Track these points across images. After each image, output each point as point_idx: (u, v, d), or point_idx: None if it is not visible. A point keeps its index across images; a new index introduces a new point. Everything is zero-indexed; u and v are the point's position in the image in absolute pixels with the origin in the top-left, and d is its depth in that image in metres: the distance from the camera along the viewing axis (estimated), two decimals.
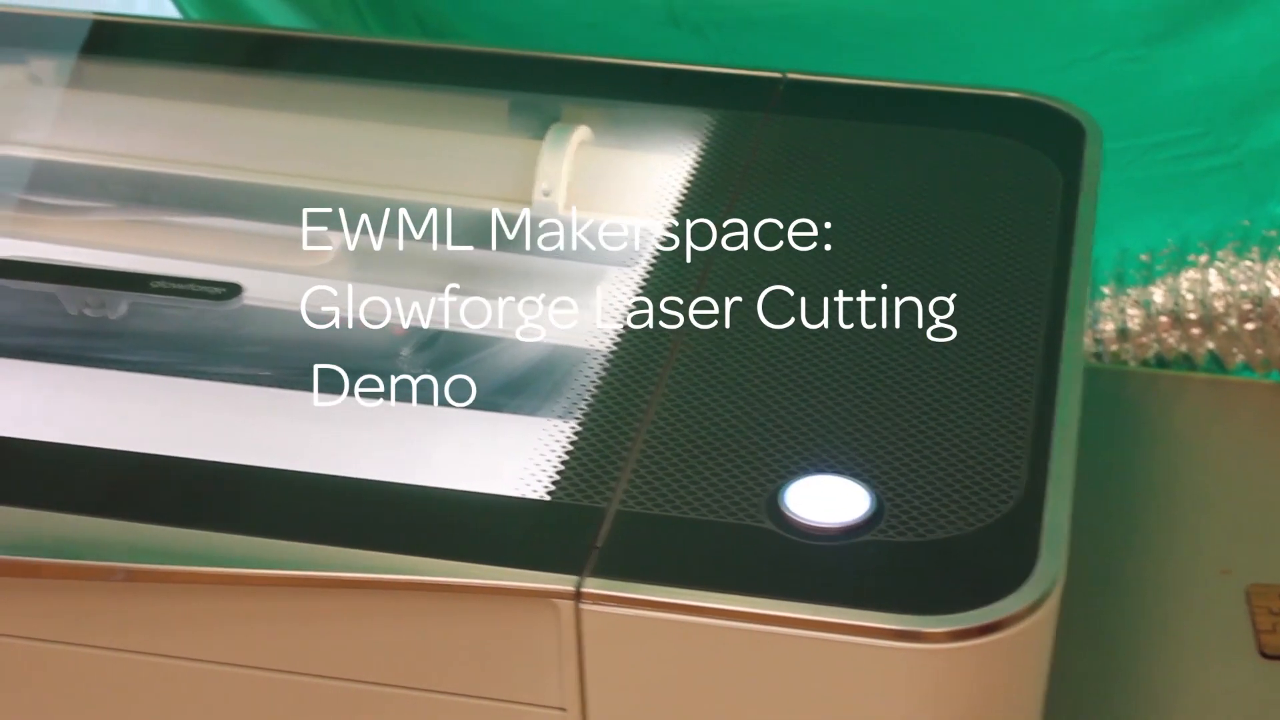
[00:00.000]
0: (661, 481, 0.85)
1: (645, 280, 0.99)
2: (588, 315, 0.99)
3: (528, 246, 1.08)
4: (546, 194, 1.10)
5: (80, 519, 0.84)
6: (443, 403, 0.95)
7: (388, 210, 1.10)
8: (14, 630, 0.87)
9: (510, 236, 1.08)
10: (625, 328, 0.95)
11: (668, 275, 0.99)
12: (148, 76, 1.20)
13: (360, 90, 1.19)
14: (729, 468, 0.85)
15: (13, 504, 0.85)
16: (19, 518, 0.84)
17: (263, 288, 1.03)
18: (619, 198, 1.10)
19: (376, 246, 1.09)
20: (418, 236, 1.09)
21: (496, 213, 1.10)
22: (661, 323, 0.96)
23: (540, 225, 1.09)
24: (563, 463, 0.86)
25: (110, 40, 1.23)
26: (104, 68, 1.21)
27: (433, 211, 1.10)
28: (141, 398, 0.95)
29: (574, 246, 1.07)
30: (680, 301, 0.97)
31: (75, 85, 1.20)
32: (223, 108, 1.18)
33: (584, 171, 1.11)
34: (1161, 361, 1.38)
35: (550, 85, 1.19)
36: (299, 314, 1.03)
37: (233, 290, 1.01)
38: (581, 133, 1.12)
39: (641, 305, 0.97)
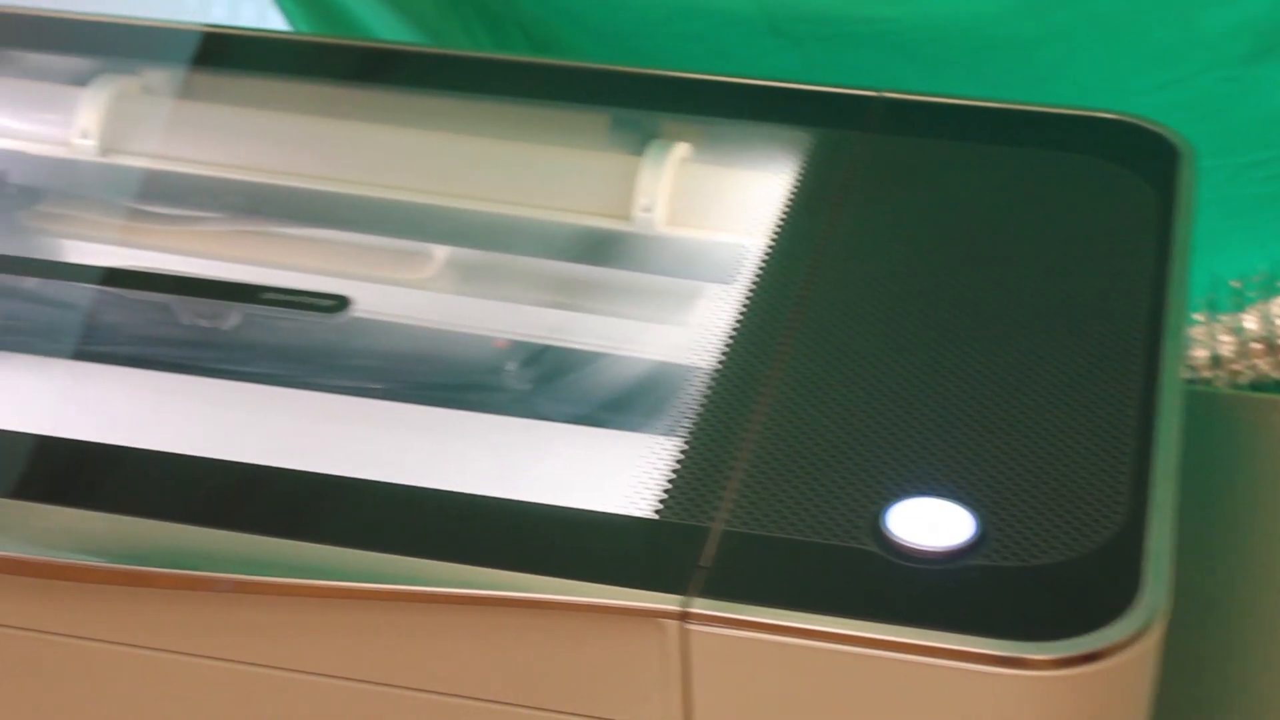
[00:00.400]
0: (765, 500, 0.85)
1: (745, 297, 0.99)
2: (689, 332, 0.99)
3: (628, 262, 1.08)
4: (647, 210, 1.10)
5: (189, 529, 0.85)
6: (545, 418, 0.96)
7: (490, 224, 1.12)
8: (124, 638, 0.88)
9: (610, 252, 1.09)
10: (726, 345, 0.96)
11: (767, 293, 1.00)
12: (257, 88, 1.21)
13: (463, 104, 1.19)
14: (831, 488, 0.85)
15: (123, 512, 0.86)
16: (128, 526, 0.85)
17: (368, 299, 1.04)
18: (717, 215, 1.10)
19: (479, 260, 1.11)
20: (519, 251, 1.10)
21: (597, 228, 1.11)
22: (762, 340, 0.96)
23: (640, 241, 1.09)
24: (667, 480, 0.87)
25: (220, 52, 1.25)
26: (214, 79, 1.22)
27: (534, 226, 1.11)
28: (251, 408, 0.96)
29: (674, 263, 1.08)
30: (780, 319, 0.97)
31: (186, 96, 1.21)
32: (329, 120, 1.19)
33: (683, 188, 1.11)
34: (1257, 387, 1.38)
35: (649, 101, 1.19)
36: (404, 326, 1.05)
37: (341, 303, 1.02)
38: (681, 149, 1.13)
39: (742, 322, 0.98)
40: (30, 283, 1.07)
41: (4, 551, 0.85)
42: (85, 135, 1.17)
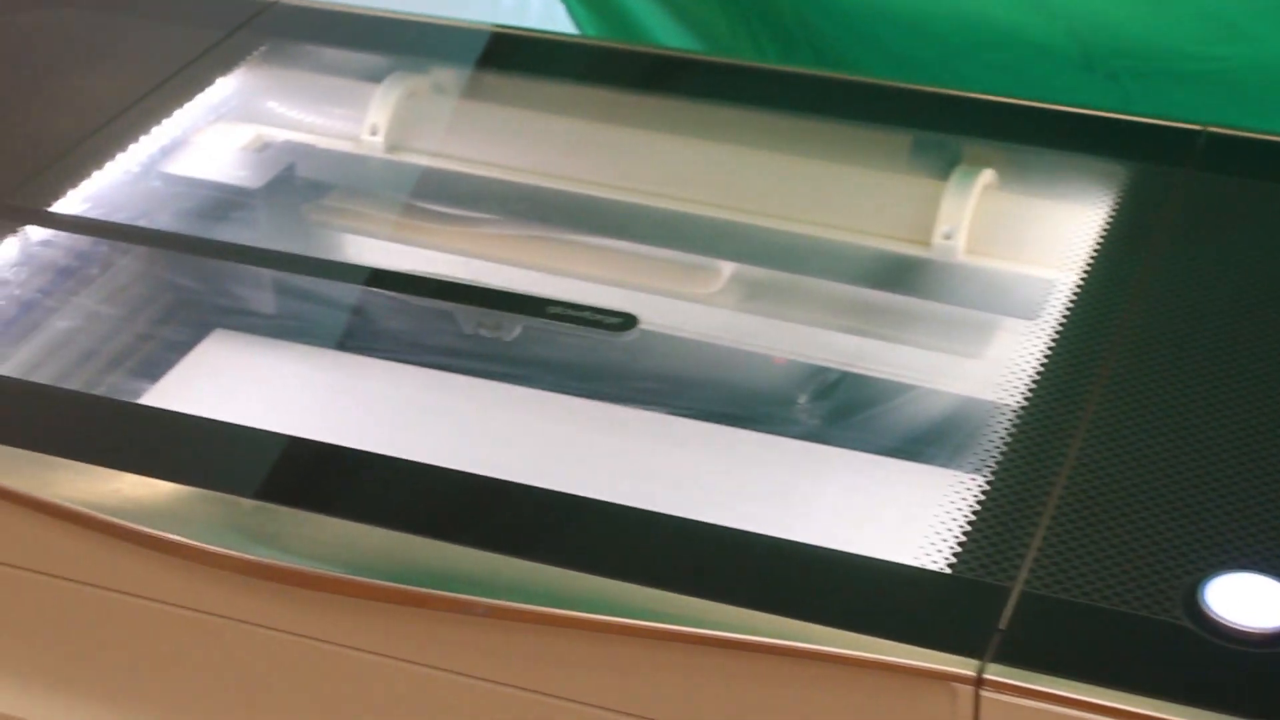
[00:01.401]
0: (1069, 562, 0.79)
1: (1052, 336, 0.94)
2: (989, 369, 0.94)
3: (924, 290, 1.04)
4: (947, 237, 1.05)
5: (457, 549, 0.82)
6: (831, 448, 0.92)
7: (781, 242, 1.08)
8: (385, 650, 0.85)
9: (906, 278, 1.04)
10: (1031, 385, 0.90)
11: (1076, 333, 0.94)
12: (546, 91, 1.19)
13: (757, 118, 1.16)
14: (1142, 552, 0.80)
15: (393, 527, 0.83)
16: (398, 543, 0.83)
17: (650, 311, 1.01)
18: (1023, 246, 1.05)
19: (768, 278, 1.07)
20: (810, 271, 1.06)
21: (893, 252, 1.06)
22: (1069, 383, 0.90)
23: (939, 269, 1.04)
24: (964, 530, 0.81)
25: (511, 53, 1.23)
26: (504, 80, 1.21)
27: (827, 246, 1.07)
28: (527, 415, 0.95)
29: (974, 293, 1.03)
30: (1090, 362, 0.91)
31: (475, 96, 1.20)
32: (619, 128, 1.16)
33: (988, 216, 1.06)
34: None
35: (955, 124, 1.14)
36: (688, 341, 1.02)
37: (629, 321, 0.98)
38: (987, 175, 1.07)
39: (1048, 363, 0.92)
40: (314, 280, 1.07)
41: (274, 560, 0.83)
42: (374, 132, 1.16)
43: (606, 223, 1.10)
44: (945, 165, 1.09)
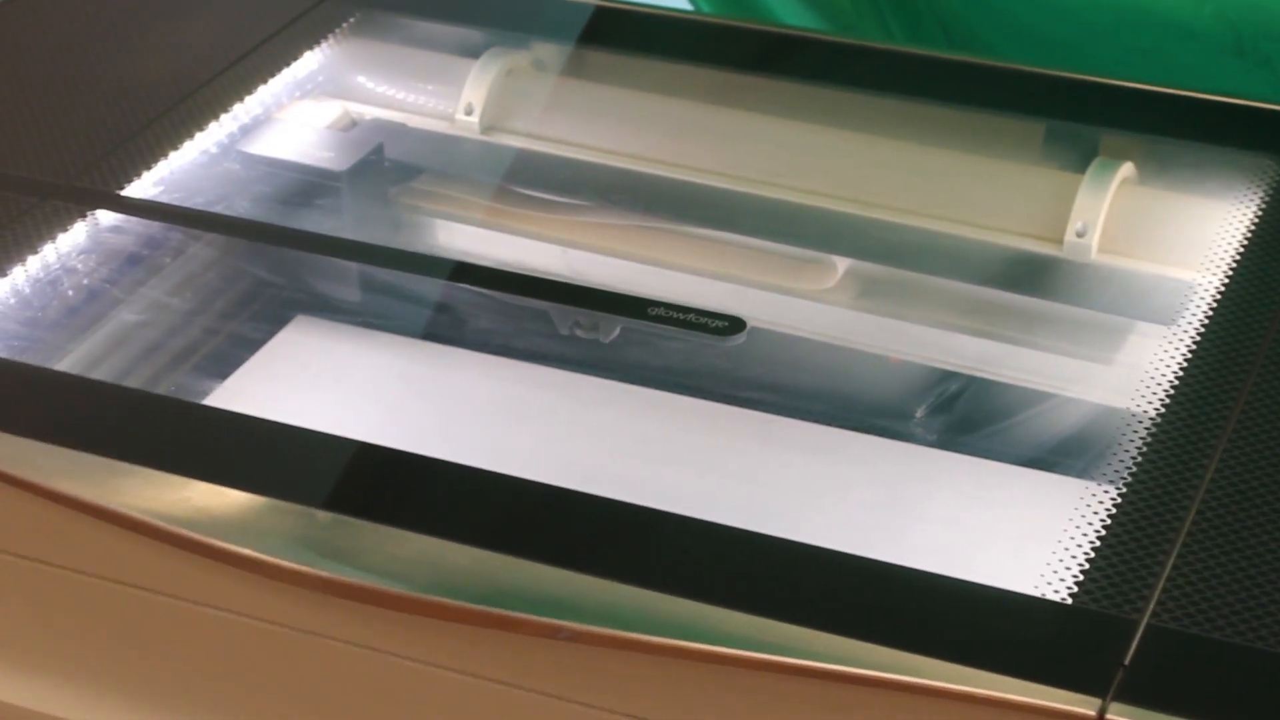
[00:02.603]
0: (1200, 594, 0.73)
1: (1191, 344, 0.87)
2: (1120, 377, 0.89)
3: (1053, 291, 0.98)
4: (1080, 235, 0.99)
5: (545, 569, 0.77)
6: (949, 455, 0.88)
7: (900, 236, 1.03)
8: (461, 667, 0.79)
9: (1035, 278, 0.99)
10: (1165, 396, 0.84)
11: (1218, 341, 0.87)
12: (653, 70, 1.14)
13: (878, 103, 1.10)
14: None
15: (479, 545, 0.78)
16: (486, 562, 0.77)
17: (759, 309, 0.98)
18: (1162, 245, 0.99)
19: (885, 275, 1.02)
20: (931, 269, 1.01)
21: (1021, 250, 1.00)
22: (1209, 398, 0.83)
23: (1070, 268, 0.99)
24: (1087, 557, 0.75)
25: (616, 27, 1.18)
26: (609, 57, 1.16)
27: (950, 242, 1.01)
28: (626, 420, 0.92)
29: (1107, 296, 0.98)
30: (1232, 375, 0.85)
31: (577, 74, 1.15)
32: (727, 110, 1.11)
33: (1125, 213, 1.00)
34: None
35: (1091, 112, 1.08)
36: (797, 340, 0.98)
37: (736, 325, 0.93)
38: (1125, 170, 1.01)
39: (1184, 372, 0.85)
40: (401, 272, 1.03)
41: (350, 577, 0.78)
42: (469, 111, 1.11)
43: (714, 213, 1.06)
44: (1081, 157, 1.03)
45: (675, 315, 0.93)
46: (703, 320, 0.92)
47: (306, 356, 1.01)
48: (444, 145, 1.11)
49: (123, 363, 0.99)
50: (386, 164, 1.10)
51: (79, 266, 1.00)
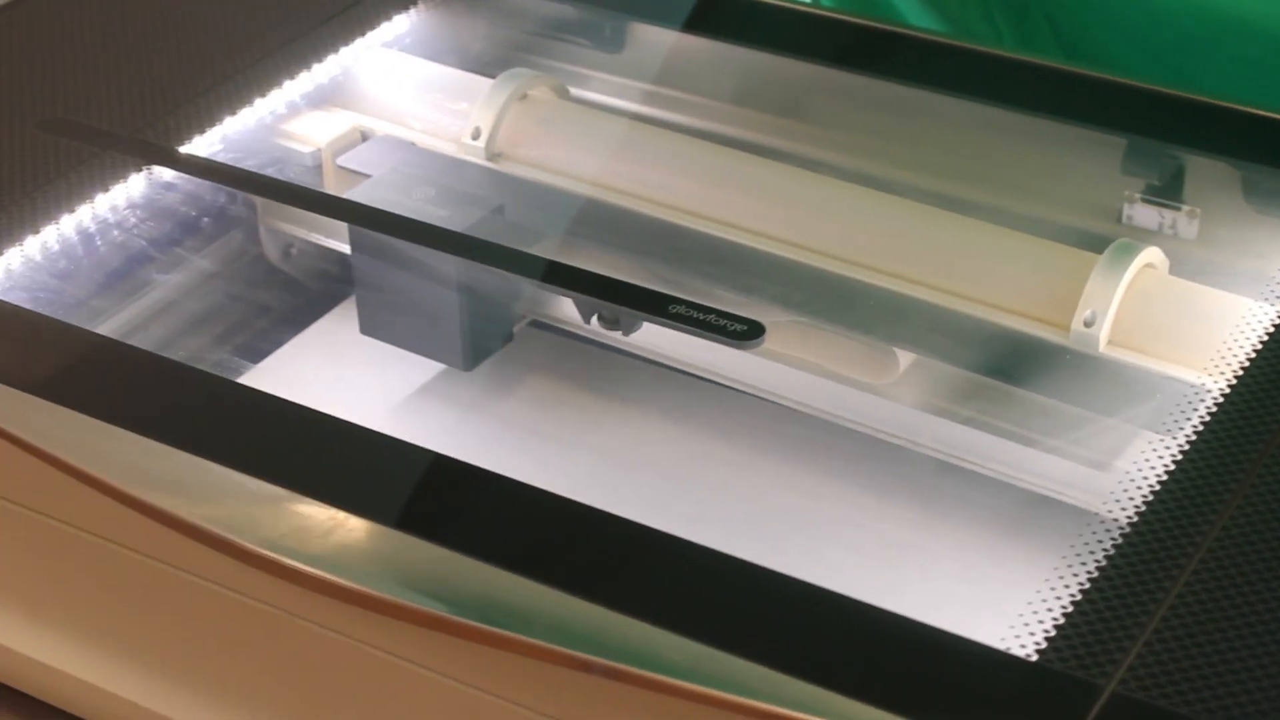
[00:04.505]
0: (1174, 665, 0.71)
1: (1186, 452, 0.81)
2: (1107, 481, 0.84)
3: (1050, 382, 0.91)
4: (1089, 324, 0.92)
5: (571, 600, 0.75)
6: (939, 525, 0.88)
7: (889, 302, 0.95)
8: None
9: (1033, 365, 0.92)
10: (1152, 494, 0.79)
11: (1215, 451, 0.81)
12: (688, 103, 1.11)
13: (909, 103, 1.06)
14: (1255, 668, 0.71)
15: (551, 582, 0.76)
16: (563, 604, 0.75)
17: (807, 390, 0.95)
18: (1179, 342, 0.91)
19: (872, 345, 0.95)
20: (920, 342, 0.95)
21: (1022, 331, 0.93)
22: (1199, 499, 0.79)
23: (1073, 359, 0.92)
24: (1061, 621, 0.72)
25: (656, 49, 1.13)
26: (646, 85, 1.12)
27: (944, 315, 0.94)
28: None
29: (1107, 394, 0.90)
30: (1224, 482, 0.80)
31: (607, 101, 1.12)
32: (737, 151, 1.05)
33: (1142, 302, 0.92)
34: None
35: (1170, 128, 1.02)
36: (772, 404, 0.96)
37: (755, 330, 0.89)
38: (1149, 255, 0.93)
39: (1173, 479, 0.80)
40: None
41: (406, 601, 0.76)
42: (476, 136, 1.06)
43: (694, 255, 1.00)
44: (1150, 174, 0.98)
45: (695, 315, 0.90)
46: (721, 323, 0.89)
47: (340, 342, 1.01)
48: (447, 168, 1.05)
49: (157, 325, 1.01)
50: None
51: (131, 220, 1.00)
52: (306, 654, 0.80)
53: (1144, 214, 1.01)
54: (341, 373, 1.02)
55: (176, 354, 1.01)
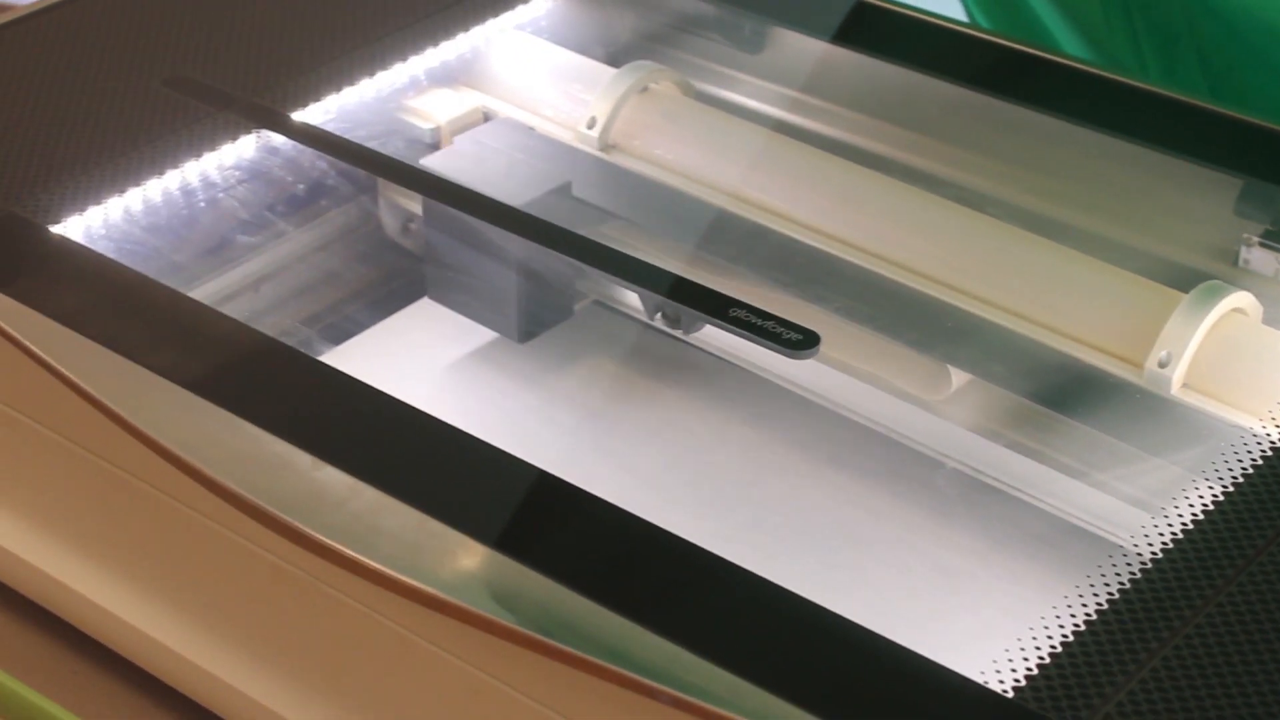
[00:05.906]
0: (1160, 715, 0.70)
1: (1236, 499, 0.80)
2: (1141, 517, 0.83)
3: (1113, 419, 0.91)
4: (1163, 365, 0.91)
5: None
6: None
7: (955, 321, 0.96)
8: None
9: (1099, 400, 0.92)
10: (1181, 533, 0.78)
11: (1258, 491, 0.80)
12: (816, 109, 1.11)
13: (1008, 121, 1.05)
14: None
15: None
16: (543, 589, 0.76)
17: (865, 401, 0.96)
18: (1258, 392, 0.89)
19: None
20: (984, 370, 0.95)
21: (1093, 365, 0.92)
22: (1229, 544, 0.78)
23: (1142, 398, 0.91)
24: (1048, 657, 0.72)
25: (792, 53, 1.13)
26: (775, 88, 1.12)
27: (1015, 340, 0.94)
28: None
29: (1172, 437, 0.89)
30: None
31: (734, 100, 1.12)
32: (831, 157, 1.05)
33: (1223, 346, 0.91)
34: None
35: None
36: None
37: (810, 340, 0.90)
38: (1237, 299, 0.91)
39: (1209, 516, 0.79)
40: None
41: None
42: (591, 125, 1.07)
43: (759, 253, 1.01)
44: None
45: (754, 320, 0.90)
46: (778, 330, 0.90)
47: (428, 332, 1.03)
48: (560, 156, 1.06)
49: (259, 300, 1.04)
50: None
51: (234, 184, 1.03)
52: (324, 621, 0.81)
53: (1261, 258, 0.99)
54: (417, 339, 1.05)
55: (285, 320, 1.05)
